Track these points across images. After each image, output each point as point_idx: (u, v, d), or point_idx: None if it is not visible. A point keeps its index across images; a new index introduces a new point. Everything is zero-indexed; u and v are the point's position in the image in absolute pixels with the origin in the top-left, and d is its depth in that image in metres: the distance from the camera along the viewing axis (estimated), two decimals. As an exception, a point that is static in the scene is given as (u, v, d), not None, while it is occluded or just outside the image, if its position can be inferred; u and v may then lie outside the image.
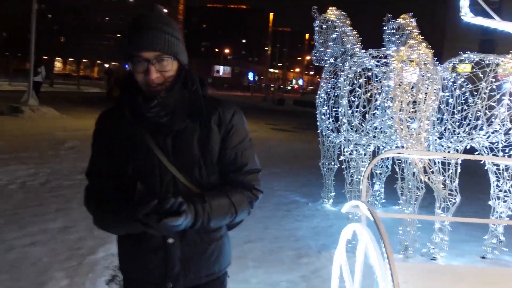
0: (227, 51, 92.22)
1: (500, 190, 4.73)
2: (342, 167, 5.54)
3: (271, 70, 65.99)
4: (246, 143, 1.70)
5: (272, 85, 60.09)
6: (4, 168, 6.74)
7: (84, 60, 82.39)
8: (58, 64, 78.09)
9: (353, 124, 5.03)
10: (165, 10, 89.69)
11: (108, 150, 1.63)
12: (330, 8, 6.59)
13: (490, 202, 4.77)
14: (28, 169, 6.81)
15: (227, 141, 1.65)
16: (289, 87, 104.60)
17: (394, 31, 6.41)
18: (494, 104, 4.34)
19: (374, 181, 6.47)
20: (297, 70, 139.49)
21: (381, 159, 6.23)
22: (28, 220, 4.72)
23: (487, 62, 4.48)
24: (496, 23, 1.52)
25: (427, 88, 4.25)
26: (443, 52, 26.99)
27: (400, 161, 4.85)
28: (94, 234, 4.47)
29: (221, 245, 1.70)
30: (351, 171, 5.37)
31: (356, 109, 4.97)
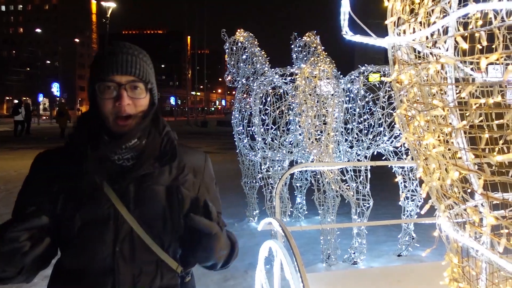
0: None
1: (408, 190, 5.05)
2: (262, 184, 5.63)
3: (193, 93, 66.16)
4: (217, 189, 1.64)
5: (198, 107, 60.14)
6: None
7: (-10, 97, 76.91)
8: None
9: (266, 141, 5.14)
10: (77, 40, 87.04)
11: (48, 198, 1.34)
12: (238, 30, 6.74)
13: (400, 203, 5.08)
14: None
15: (206, 192, 1.53)
16: (213, 109, 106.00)
17: (300, 48, 6.69)
18: (393, 111, 4.67)
19: (295, 194, 6.62)
20: (220, 91, 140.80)
21: (299, 172, 6.41)
22: None
23: (383, 72, 4.84)
24: (373, 40, 1.64)
25: (331, 102, 4.47)
26: (354, 65, 28.72)
27: (315, 173, 5.02)
28: None
29: None
30: (270, 187, 5.47)
31: (268, 127, 5.10)
